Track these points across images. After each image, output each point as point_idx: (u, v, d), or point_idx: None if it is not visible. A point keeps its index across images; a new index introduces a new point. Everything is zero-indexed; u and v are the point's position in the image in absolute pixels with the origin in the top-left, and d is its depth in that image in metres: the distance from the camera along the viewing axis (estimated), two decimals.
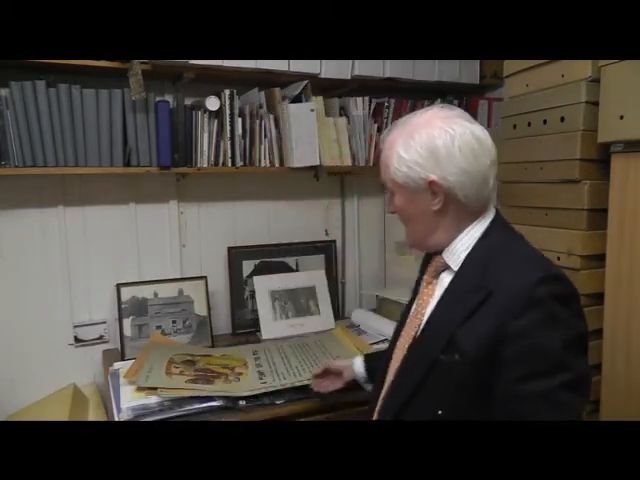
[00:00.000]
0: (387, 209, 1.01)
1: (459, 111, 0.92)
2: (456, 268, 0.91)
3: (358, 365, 1.29)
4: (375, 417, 1.01)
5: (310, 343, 1.76)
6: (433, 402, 0.87)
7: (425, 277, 0.99)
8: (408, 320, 1.00)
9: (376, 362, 1.19)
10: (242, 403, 1.36)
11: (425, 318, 0.94)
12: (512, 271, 0.83)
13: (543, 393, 0.77)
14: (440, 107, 0.92)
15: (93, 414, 1.63)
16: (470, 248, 0.90)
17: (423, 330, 0.93)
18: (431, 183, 0.87)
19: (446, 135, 0.86)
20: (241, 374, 1.49)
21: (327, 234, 2.20)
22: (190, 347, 1.75)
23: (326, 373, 1.35)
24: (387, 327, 1.84)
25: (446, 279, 0.93)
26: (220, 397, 1.37)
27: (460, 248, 0.91)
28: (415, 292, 1.07)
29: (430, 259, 1.01)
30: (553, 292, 0.79)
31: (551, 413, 0.78)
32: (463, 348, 0.83)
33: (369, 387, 1.24)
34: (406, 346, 0.96)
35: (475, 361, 0.82)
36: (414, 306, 1.00)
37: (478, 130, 0.88)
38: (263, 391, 1.40)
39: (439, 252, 0.95)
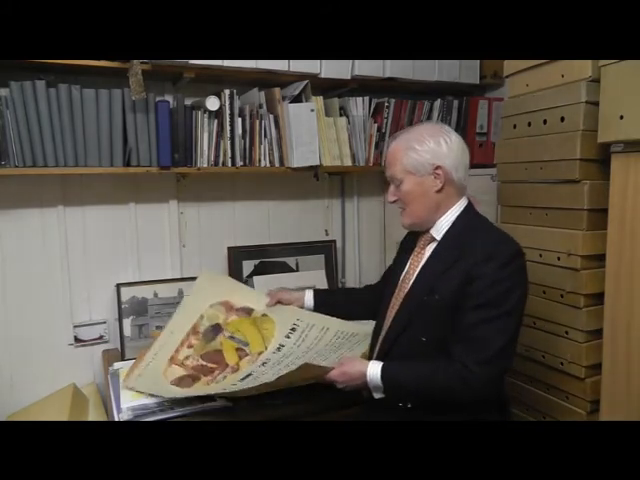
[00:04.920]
0: (389, 198, 1.29)
1: (446, 125, 1.30)
2: (439, 238, 1.25)
3: (308, 299, 1.58)
4: (378, 348, 1.31)
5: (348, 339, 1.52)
6: (419, 332, 1.21)
7: (416, 249, 1.32)
8: (401, 280, 1.32)
9: (323, 298, 1.59)
10: (242, 403, 1.36)
11: (414, 276, 1.27)
12: (477, 238, 1.19)
13: (488, 318, 1.11)
14: (433, 122, 1.32)
15: (93, 414, 1.63)
16: (450, 224, 1.24)
17: (414, 283, 1.26)
18: (436, 168, 1.20)
19: (445, 138, 1.22)
20: (238, 369, 1.41)
21: (327, 234, 2.20)
22: (238, 290, 1.67)
23: (278, 303, 1.61)
24: None
25: (431, 248, 1.27)
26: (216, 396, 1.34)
27: (444, 224, 1.24)
28: (395, 263, 1.43)
29: (409, 240, 1.38)
30: (502, 251, 1.15)
31: (491, 332, 1.10)
32: (441, 291, 1.17)
33: None
34: (402, 296, 1.27)
35: (448, 298, 1.16)
36: (405, 269, 1.32)
37: (459, 137, 1.26)
38: (226, 392, 1.32)
39: (426, 230, 1.27)
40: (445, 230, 1.24)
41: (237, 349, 1.46)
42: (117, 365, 1.62)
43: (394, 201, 1.28)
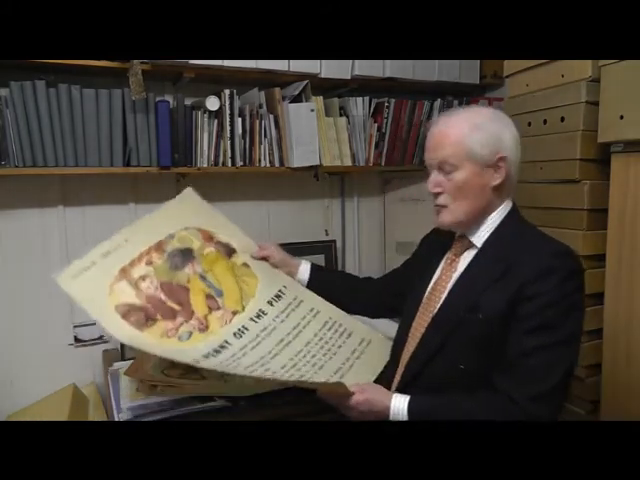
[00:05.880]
0: (432, 188, 1.06)
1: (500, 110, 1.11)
2: (480, 245, 1.06)
3: (304, 270, 1.37)
4: (399, 377, 1.11)
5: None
6: (456, 357, 1.01)
7: (449, 255, 1.12)
8: (428, 292, 1.12)
9: (320, 275, 1.38)
10: (242, 403, 1.36)
11: (449, 287, 1.07)
12: (531, 248, 1.00)
13: (544, 345, 0.93)
14: (484, 106, 1.11)
15: (93, 414, 1.63)
16: (494, 228, 1.06)
17: (449, 296, 1.06)
18: (500, 159, 1.02)
19: (509, 125, 1.04)
20: (207, 327, 1.15)
21: (327, 234, 2.20)
22: (224, 224, 1.38)
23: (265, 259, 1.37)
24: (381, 322, 1.83)
25: (469, 256, 1.08)
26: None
27: (487, 228, 1.06)
28: (415, 268, 1.24)
29: (434, 242, 1.19)
30: (564, 265, 0.96)
31: (549, 361, 0.93)
32: (486, 309, 0.98)
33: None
34: (431, 312, 1.08)
35: (495, 319, 0.96)
36: (434, 280, 1.13)
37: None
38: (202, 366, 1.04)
39: (462, 234, 1.10)
40: (487, 236, 1.05)
41: (207, 296, 1.20)
42: (117, 365, 1.62)
43: (438, 192, 1.05)
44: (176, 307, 1.15)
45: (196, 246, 1.28)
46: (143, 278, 1.16)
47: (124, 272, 1.15)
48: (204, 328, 1.15)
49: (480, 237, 1.06)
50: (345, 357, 1.22)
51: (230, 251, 1.33)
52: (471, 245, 1.07)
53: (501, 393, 0.94)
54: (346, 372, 1.18)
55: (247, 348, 1.13)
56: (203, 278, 1.24)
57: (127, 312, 1.09)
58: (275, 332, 1.19)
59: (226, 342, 1.13)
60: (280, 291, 1.29)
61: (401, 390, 1.07)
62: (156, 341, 1.07)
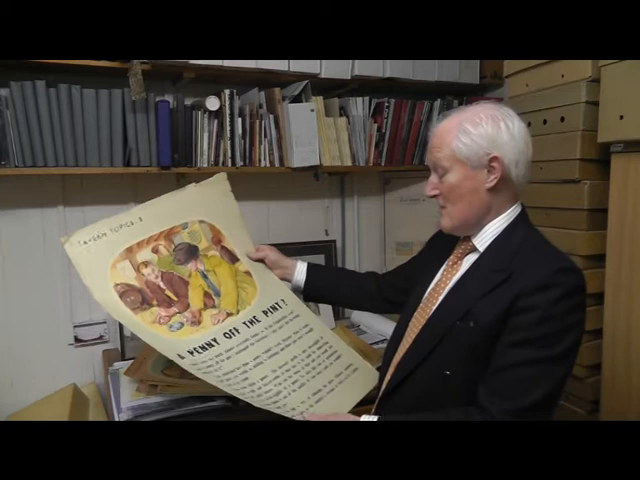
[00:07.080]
0: (427, 192, 1.05)
1: (508, 107, 1.03)
2: (482, 249, 1.02)
3: (300, 270, 1.35)
4: (389, 377, 1.10)
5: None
6: (443, 363, 0.99)
7: (451, 257, 1.10)
8: (428, 293, 1.11)
9: (318, 274, 1.36)
10: (242, 403, 1.36)
11: (446, 290, 1.05)
12: (535, 259, 0.95)
13: (531, 360, 0.89)
14: (490, 102, 1.05)
15: (93, 414, 1.64)
16: (498, 233, 1.02)
17: (444, 300, 1.04)
18: (492, 159, 0.97)
19: (507, 122, 0.98)
20: (200, 322, 1.17)
21: (327, 234, 2.20)
22: (236, 229, 1.38)
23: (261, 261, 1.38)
24: (387, 327, 1.84)
25: (470, 260, 1.05)
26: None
27: (490, 233, 1.02)
28: (420, 265, 1.22)
29: (443, 241, 1.14)
30: (564, 281, 0.91)
31: (532, 377, 0.89)
32: (478, 317, 0.95)
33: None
34: (426, 315, 1.06)
35: (486, 328, 0.94)
36: (435, 281, 1.11)
37: (523, 124, 1.01)
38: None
39: (467, 236, 1.06)
40: (490, 240, 1.02)
41: (205, 293, 1.23)
42: (117, 365, 1.62)
43: (434, 196, 1.04)
44: (173, 297, 1.19)
45: (203, 246, 1.31)
46: (145, 264, 1.19)
47: (129, 252, 1.18)
48: (196, 322, 1.17)
49: (483, 241, 1.03)
50: (328, 379, 1.20)
51: (234, 258, 1.36)
52: (474, 249, 1.04)
53: (477, 404, 0.92)
54: (325, 395, 1.16)
55: (233, 351, 1.14)
56: (204, 276, 1.26)
57: (124, 292, 1.13)
58: (265, 340, 1.20)
59: (214, 340, 1.14)
60: (277, 303, 1.32)
61: (388, 394, 1.08)
62: (146, 325, 1.10)
